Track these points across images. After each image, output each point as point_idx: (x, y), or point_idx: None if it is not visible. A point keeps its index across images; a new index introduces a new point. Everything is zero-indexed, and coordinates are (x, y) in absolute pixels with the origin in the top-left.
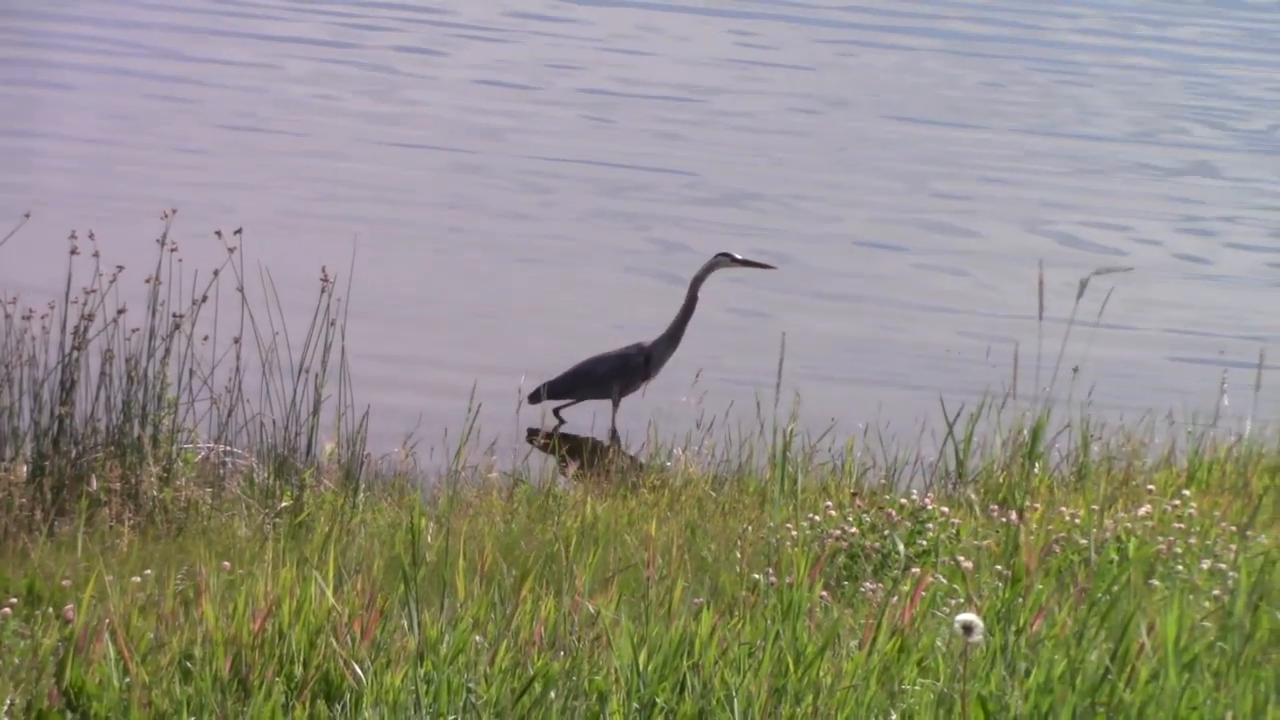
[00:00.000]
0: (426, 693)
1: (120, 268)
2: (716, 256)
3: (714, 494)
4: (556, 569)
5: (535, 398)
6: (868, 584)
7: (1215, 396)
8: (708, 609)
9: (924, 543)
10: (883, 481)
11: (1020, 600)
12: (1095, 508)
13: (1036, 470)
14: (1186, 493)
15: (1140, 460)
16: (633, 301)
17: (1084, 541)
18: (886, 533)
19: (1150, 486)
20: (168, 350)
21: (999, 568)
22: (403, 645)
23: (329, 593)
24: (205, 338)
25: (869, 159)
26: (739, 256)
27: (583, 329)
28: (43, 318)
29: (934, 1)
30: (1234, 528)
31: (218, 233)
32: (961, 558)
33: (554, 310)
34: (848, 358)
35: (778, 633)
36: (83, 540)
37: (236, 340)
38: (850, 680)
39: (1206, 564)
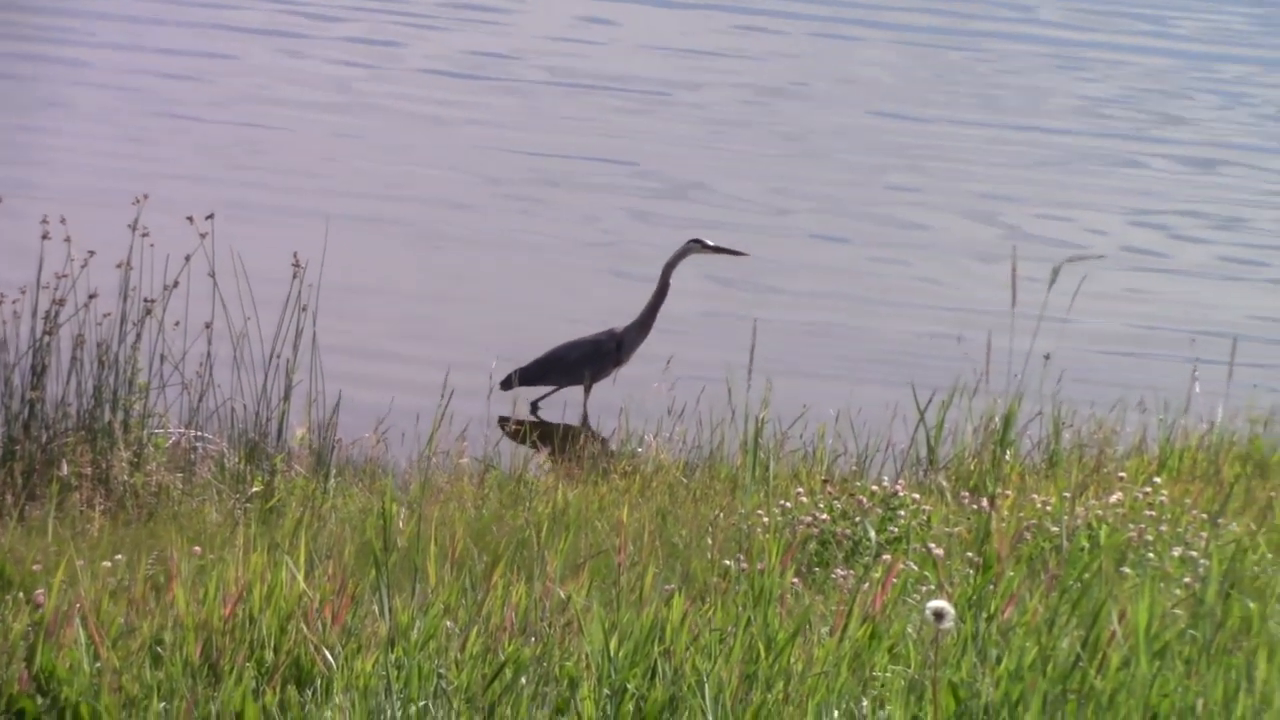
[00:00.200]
0: (397, 678)
1: (91, 253)
2: (688, 243)
3: (685, 480)
4: (528, 555)
5: (507, 384)
6: (839, 571)
7: (1186, 385)
8: (679, 595)
9: (895, 529)
10: (854, 468)
11: (991, 587)
12: (1067, 495)
13: (1008, 457)
14: (1158, 480)
15: (1111, 448)
16: (593, 291)
17: (1055, 529)
18: (858, 519)
19: (1121, 474)
20: (139, 335)
21: (970, 555)
22: (374, 631)
23: (300, 578)
24: (176, 323)
25: (823, 150)
26: (710, 243)
27: (548, 317)
28: (14, 303)
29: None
30: (1205, 515)
31: (189, 218)
32: (933, 545)
33: (519, 298)
34: (818, 346)
35: (749, 619)
36: (53, 525)
37: (208, 326)
38: (821, 667)
39: (1178, 551)
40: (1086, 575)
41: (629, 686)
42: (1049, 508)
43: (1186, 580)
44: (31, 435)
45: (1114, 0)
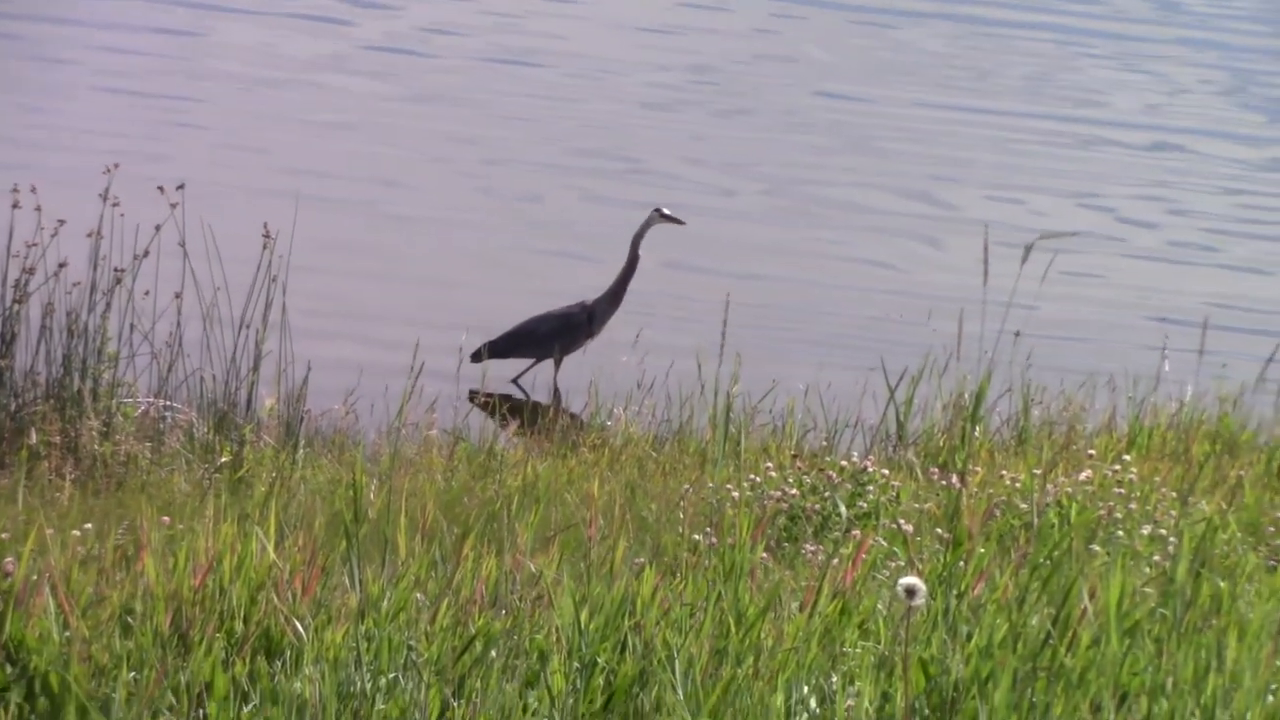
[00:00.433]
0: (367, 650)
1: (61, 222)
2: (651, 213)
3: (654, 454)
4: (498, 527)
5: (478, 356)
6: (808, 546)
7: (1155, 364)
8: (649, 569)
9: (864, 505)
10: (823, 443)
11: (962, 564)
12: (1037, 472)
13: (977, 434)
14: (1127, 458)
15: (1081, 425)
16: (555, 266)
17: (1025, 506)
18: (827, 495)
19: (1091, 451)
20: (108, 305)
21: (940, 531)
22: (344, 602)
23: (270, 549)
24: (146, 292)
25: (772, 129)
26: (667, 212)
27: (513, 292)
28: None
29: None
30: (1174, 494)
31: (160, 188)
32: (902, 521)
33: (481, 274)
34: (785, 323)
35: (719, 594)
36: (22, 493)
37: (177, 295)
38: (792, 642)
39: (1147, 529)
40: (1057, 553)
41: (599, 660)
42: (1019, 485)
43: (1156, 558)
44: (1, 404)
45: None
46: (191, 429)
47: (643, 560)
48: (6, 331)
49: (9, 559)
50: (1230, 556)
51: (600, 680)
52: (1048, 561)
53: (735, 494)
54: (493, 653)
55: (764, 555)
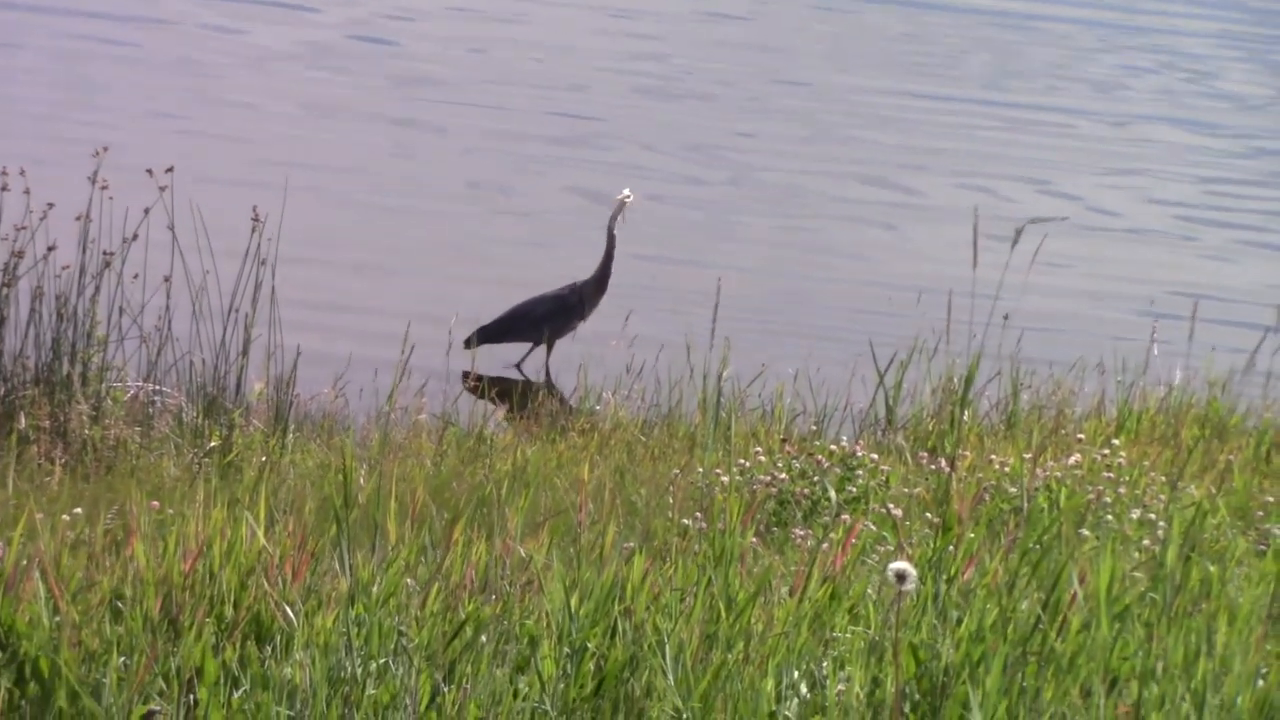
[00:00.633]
0: (357, 635)
1: (50, 205)
2: (618, 198)
3: (643, 438)
4: (488, 512)
5: (469, 342)
6: (797, 531)
7: (1145, 348)
8: (639, 554)
9: (854, 490)
10: (813, 428)
11: (951, 549)
12: (1027, 456)
13: (966, 418)
14: (1116, 442)
15: (1070, 409)
16: (544, 252)
17: (1014, 490)
18: (816, 479)
19: (1080, 435)
20: (97, 288)
21: (929, 515)
22: (334, 587)
23: (260, 534)
24: (135, 276)
25: (789, 110)
26: (625, 192)
27: (503, 277)
28: None
29: None
30: (1164, 478)
31: (149, 171)
32: (892, 505)
33: (475, 258)
34: (777, 305)
35: (709, 579)
36: (12, 478)
37: (166, 279)
38: (782, 627)
39: (1136, 514)
40: (1046, 537)
41: (589, 645)
42: (1008, 469)
43: (1146, 543)
44: None
45: None
46: (181, 413)
47: (632, 545)
48: None
49: None
50: (1220, 541)
51: (590, 665)
52: (1037, 546)
53: (724, 479)
54: (483, 638)
55: (754, 540)
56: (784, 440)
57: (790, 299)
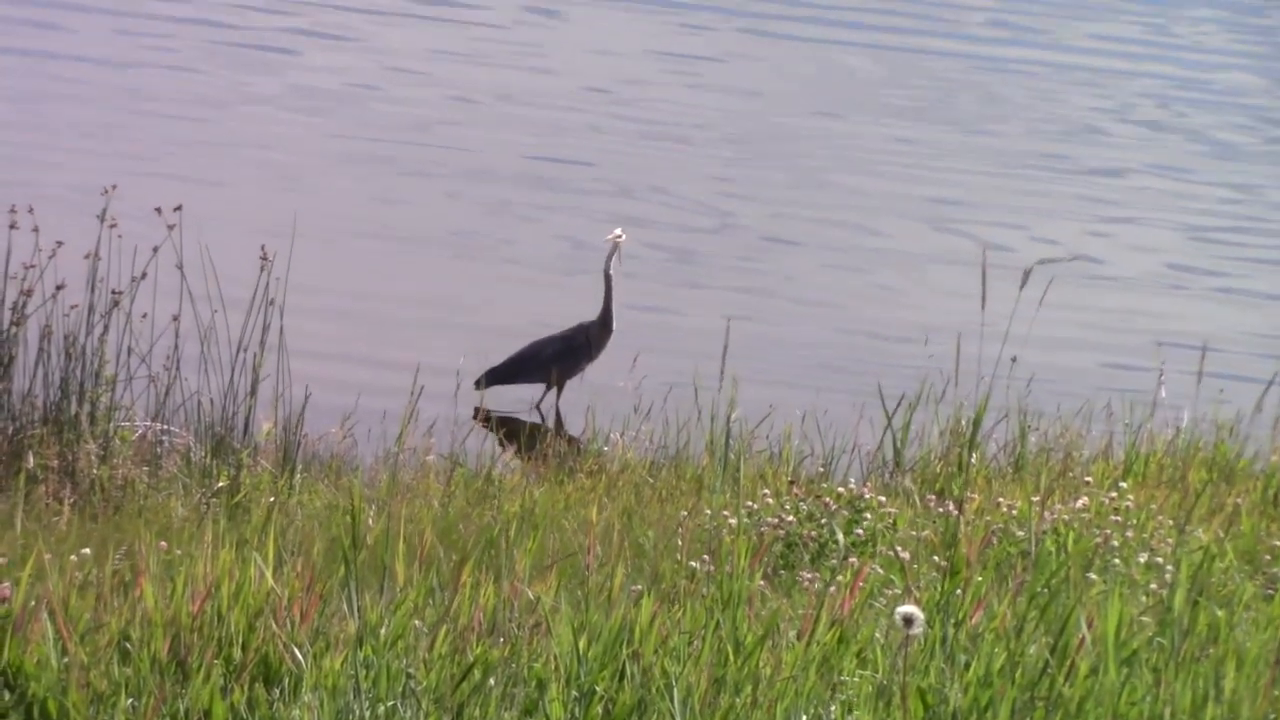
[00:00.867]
0: (366, 678)
1: (59, 243)
2: (609, 238)
3: (651, 480)
4: (496, 554)
5: (480, 383)
6: (805, 573)
7: (1152, 391)
8: (648, 597)
9: (861, 532)
10: (820, 470)
11: (959, 592)
12: (1035, 499)
13: (974, 461)
14: (1124, 485)
15: (1078, 452)
16: (552, 291)
17: (1022, 533)
18: (824, 522)
19: (1087, 478)
20: (106, 327)
21: (937, 559)
22: (342, 629)
23: (268, 575)
24: (144, 315)
25: (773, 153)
26: (616, 232)
27: (511, 317)
28: None
29: (804, 3)
30: (1171, 521)
31: (157, 210)
32: (899, 548)
33: (481, 299)
34: (783, 347)
35: (717, 622)
36: (20, 518)
37: (175, 318)
38: (790, 671)
39: (1144, 557)
40: (1054, 581)
41: (597, 689)
42: (1016, 512)
43: (1153, 587)
44: None
45: (1067, 11)
46: (189, 453)
47: (640, 588)
48: (4, 354)
49: (6, 584)
50: (1227, 585)
51: (599, 709)
52: (1045, 590)
53: (732, 521)
54: (491, 681)
55: (761, 583)
56: (792, 482)
57: (795, 341)
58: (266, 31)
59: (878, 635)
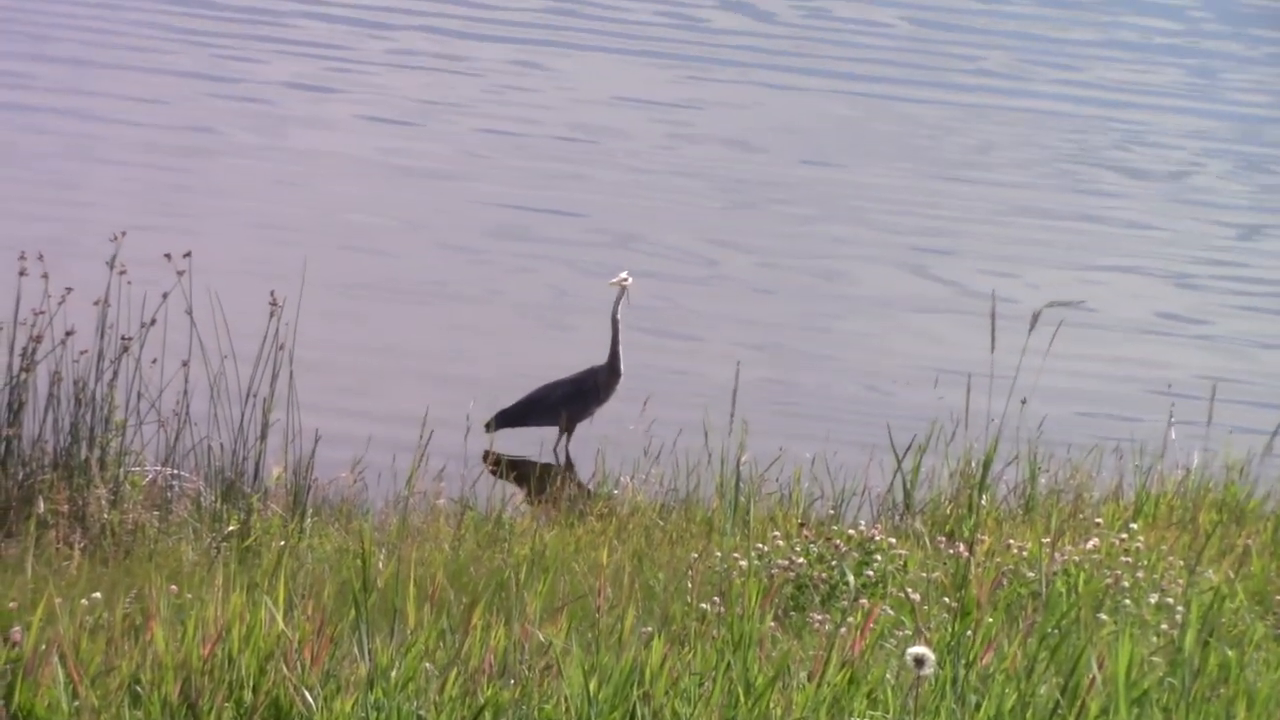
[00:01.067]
0: None
1: (69, 289)
2: (614, 281)
3: (661, 522)
4: (506, 597)
5: (490, 425)
6: (816, 615)
7: (1161, 432)
8: (658, 639)
9: (872, 574)
10: (830, 512)
11: (970, 633)
12: (1045, 540)
13: (984, 502)
14: (1134, 526)
15: (1088, 493)
16: (552, 339)
17: (1032, 574)
18: (834, 563)
19: (1098, 520)
20: (116, 373)
21: (947, 600)
22: (353, 672)
23: (279, 618)
24: (154, 360)
25: (763, 201)
26: (617, 278)
27: (518, 362)
28: None
29: (833, 43)
30: (1181, 562)
31: (167, 256)
32: (910, 589)
33: (484, 343)
34: (793, 389)
35: (728, 663)
36: (31, 562)
37: (185, 363)
38: (800, 712)
39: (1154, 598)
40: (1065, 622)
41: None
42: (1026, 553)
43: (1164, 627)
44: (8, 472)
45: (1056, 54)
46: (199, 498)
47: (651, 629)
48: (14, 400)
49: (17, 628)
50: (1238, 625)
51: None
52: (1056, 630)
53: (743, 563)
54: None
55: (772, 624)
56: (802, 524)
57: (806, 383)
58: (253, 84)
59: (888, 676)
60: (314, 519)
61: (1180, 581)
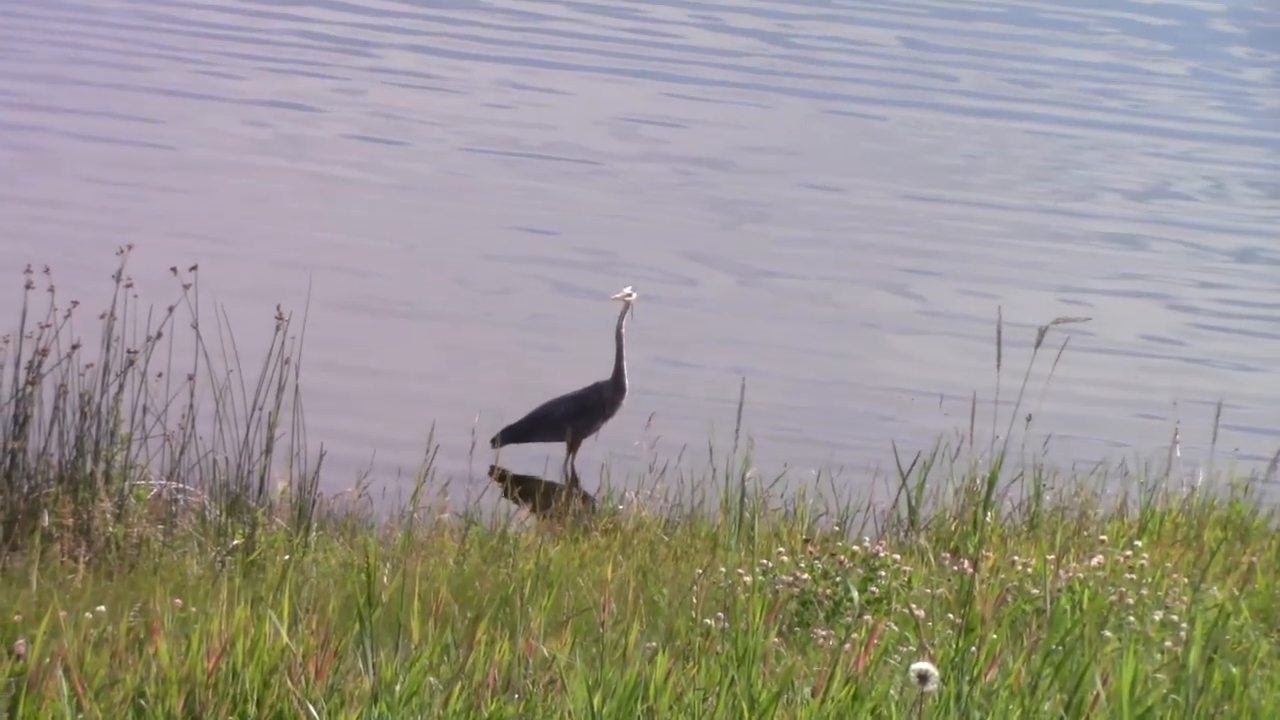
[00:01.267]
0: None
1: (75, 303)
2: (618, 296)
3: (666, 538)
4: (510, 611)
5: (496, 441)
6: (820, 631)
7: (1166, 450)
8: (662, 654)
9: (876, 590)
10: (835, 528)
11: (974, 650)
12: (1050, 557)
13: (989, 519)
14: (1138, 543)
15: (1092, 510)
16: (556, 355)
17: (1037, 591)
18: (839, 579)
19: (1102, 537)
20: (121, 386)
21: (952, 616)
22: (357, 686)
23: (283, 632)
24: (159, 374)
25: (754, 220)
26: (627, 293)
27: (519, 379)
28: None
29: (820, 63)
30: (1186, 579)
31: (173, 269)
32: (914, 606)
33: (487, 362)
34: (798, 406)
35: (732, 679)
36: (36, 575)
37: (190, 377)
38: None
39: (1159, 615)
40: (1069, 639)
41: None
42: (1031, 570)
43: (1168, 644)
44: (14, 486)
45: (1046, 73)
46: (204, 512)
47: (655, 645)
48: (20, 413)
49: (22, 641)
50: (1242, 643)
51: None
52: (1060, 647)
53: (747, 579)
54: None
55: (776, 640)
56: (806, 540)
57: (811, 401)
58: (238, 104)
59: (892, 692)
60: (319, 533)
61: (1185, 599)
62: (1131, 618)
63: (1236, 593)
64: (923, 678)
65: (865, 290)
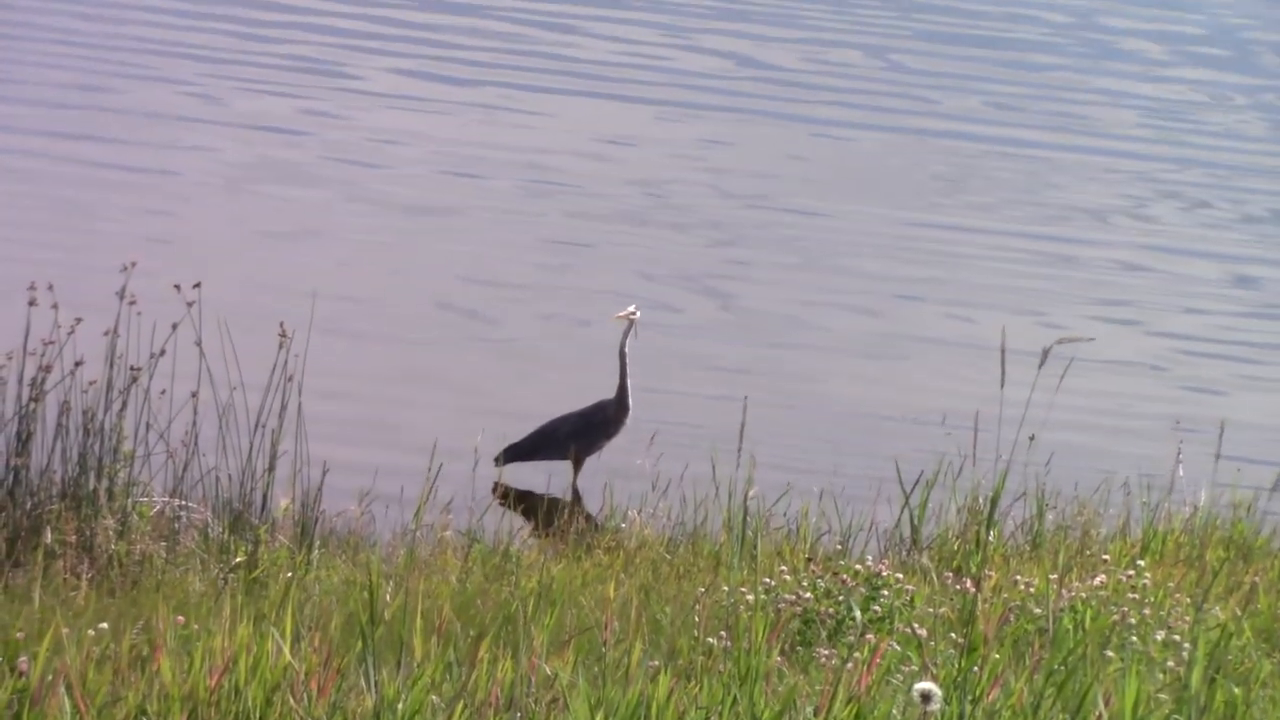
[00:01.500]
0: None
1: (78, 319)
2: (622, 315)
3: (668, 556)
4: (513, 630)
5: (499, 460)
6: (822, 650)
7: (1169, 470)
8: (664, 672)
9: (879, 609)
10: (837, 547)
11: (976, 669)
12: (1053, 577)
13: (991, 538)
14: (1141, 563)
15: (1095, 530)
16: (558, 374)
17: (1039, 610)
18: (841, 598)
19: (1105, 556)
20: (124, 403)
21: (954, 636)
22: (359, 704)
23: (286, 650)
24: (162, 391)
25: (775, 238)
26: (630, 311)
27: (521, 399)
28: None
29: (799, 85)
30: (1188, 599)
31: (176, 286)
32: (916, 625)
33: (494, 380)
34: (801, 427)
35: (734, 698)
36: (38, 592)
37: (194, 395)
38: None
39: (1161, 635)
40: (1071, 658)
41: None
42: (1033, 589)
43: (1171, 664)
44: (16, 502)
45: (1024, 95)
46: (207, 529)
47: (658, 663)
48: (23, 430)
49: (24, 658)
50: (1245, 663)
51: None
52: (1063, 667)
53: (750, 597)
54: None
55: (778, 659)
56: (809, 559)
57: (811, 421)
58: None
59: (895, 712)
60: (321, 550)
61: (1187, 618)
62: (1134, 637)
63: (1239, 613)
64: (925, 697)
65: (866, 310)
